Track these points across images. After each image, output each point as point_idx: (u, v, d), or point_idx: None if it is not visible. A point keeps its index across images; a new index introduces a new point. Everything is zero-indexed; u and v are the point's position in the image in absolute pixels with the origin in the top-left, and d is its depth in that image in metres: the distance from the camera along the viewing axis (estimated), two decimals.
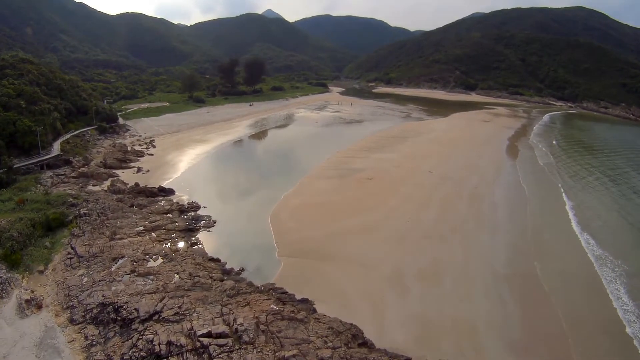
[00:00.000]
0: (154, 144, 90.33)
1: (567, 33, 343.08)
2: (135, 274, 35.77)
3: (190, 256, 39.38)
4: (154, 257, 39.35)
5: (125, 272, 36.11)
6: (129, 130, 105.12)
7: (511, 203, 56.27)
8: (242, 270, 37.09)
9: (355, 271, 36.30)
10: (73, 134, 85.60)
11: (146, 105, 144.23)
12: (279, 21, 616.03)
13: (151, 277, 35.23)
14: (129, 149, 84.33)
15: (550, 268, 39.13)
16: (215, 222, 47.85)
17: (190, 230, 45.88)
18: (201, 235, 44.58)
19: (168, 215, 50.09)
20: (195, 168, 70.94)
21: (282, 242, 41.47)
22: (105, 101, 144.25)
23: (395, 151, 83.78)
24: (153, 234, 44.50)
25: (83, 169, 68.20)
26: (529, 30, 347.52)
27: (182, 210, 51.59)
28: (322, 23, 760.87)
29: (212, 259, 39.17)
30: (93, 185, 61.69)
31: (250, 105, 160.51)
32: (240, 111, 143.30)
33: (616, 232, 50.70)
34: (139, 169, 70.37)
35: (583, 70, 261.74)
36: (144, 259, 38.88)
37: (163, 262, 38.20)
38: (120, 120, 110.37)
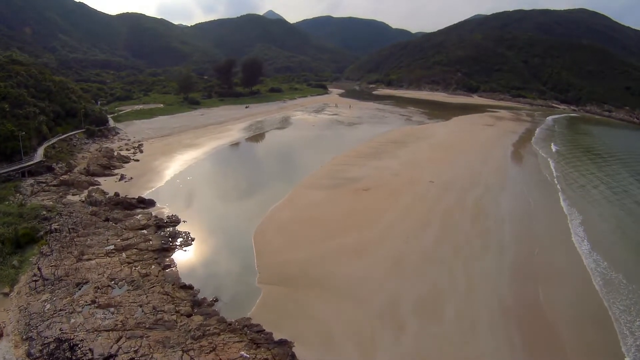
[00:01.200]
0: (141, 148, 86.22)
1: (569, 35, 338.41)
2: (96, 305, 31.63)
3: (159, 283, 35.04)
4: (119, 283, 35.12)
5: (86, 301, 32.04)
6: (119, 133, 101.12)
7: (517, 218, 51.71)
8: (216, 300, 32.66)
9: (343, 303, 31.88)
10: (60, 138, 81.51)
11: (140, 106, 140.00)
12: (279, 22, 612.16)
13: (112, 309, 31.03)
14: (115, 154, 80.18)
15: (559, 296, 34.93)
16: (193, 240, 43.49)
17: (164, 250, 41.43)
18: (176, 256, 40.24)
19: (143, 231, 45.75)
20: (180, 176, 66.66)
21: (264, 266, 37.06)
22: (99, 102, 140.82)
23: (395, 158, 79.34)
24: (123, 255, 40.17)
25: (65, 176, 64.07)
26: (531, 32, 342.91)
27: (159, 225, 47.23)
28: (323, 24, 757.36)
29: (183, 286, 34.72)
30: (73, 195, 57.43)
31: (246, 107, 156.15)
32: (235, 113, 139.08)
33: (628, 252, 45.84)
34: (122, 177, 66.10)
35: (586, 73, 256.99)
36: (109, 286, 34.70)
37: (128, 290, 33.94)
38: (111, 123, 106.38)
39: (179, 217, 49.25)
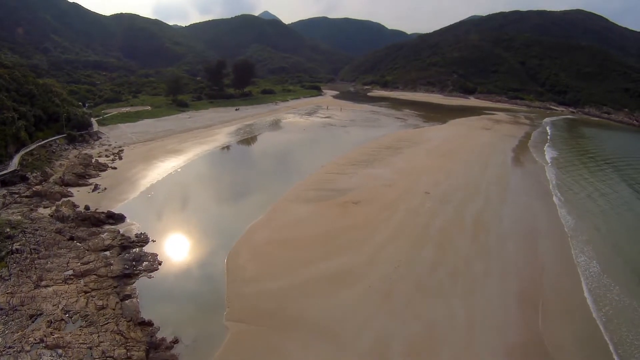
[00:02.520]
0: (121, 154, 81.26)
1: (566, 36, 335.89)
2: (44, 344, 27.33)
3: (115, 318, 30.47)
4: (73, 317, 30.73)
5: (36, 339, 27.88)
6: (101, 138, 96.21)
7: (520, 235, 47.04)
8: (176, 342, 27.90)
9: (324, 345, 27.09)
10: (39, 144, 76.83)
11: (126, 109, 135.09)
12: (274, 23, 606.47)
13: (60, 350, 26.77)
14: (93, 161, 75.47)
15: (567, 334, 30.59)
16: (160, 264, 38.69)
17: (126, 277, 36.67)
18: (139, 284, 35.44)
19: (106, 253, 40.99)
20: (157, 186, 61.81)
21: (235, 298, 32.21)
22: (86, 105, 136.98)
23: (388, 165, 74.67)
24: (82, 282, 35.54)
25: (38, 186, 59.28)
26: (528, 33, 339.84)
27: (124, 246, 42.35)
28: (318, 25, 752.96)
29: (142, 323, 30.10)
30: (44, 207, 52.66)
31: (236, 109, 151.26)
32: (224, 116, 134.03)
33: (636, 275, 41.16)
34: (96, 187, 61.19)
35: (584, 74, 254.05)
36: (62, 320, 30.43)
37: (81, 327, 29.58)
38: (94, 127, 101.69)
39: (148, 236, 44.51)
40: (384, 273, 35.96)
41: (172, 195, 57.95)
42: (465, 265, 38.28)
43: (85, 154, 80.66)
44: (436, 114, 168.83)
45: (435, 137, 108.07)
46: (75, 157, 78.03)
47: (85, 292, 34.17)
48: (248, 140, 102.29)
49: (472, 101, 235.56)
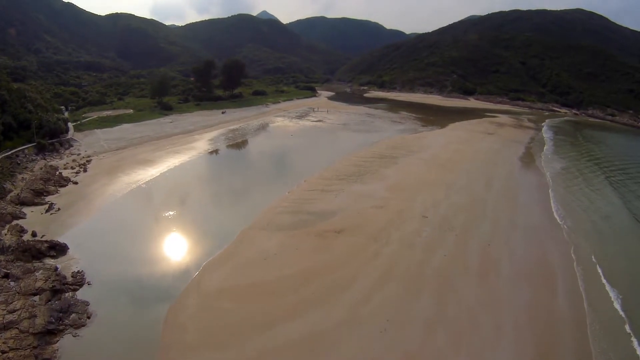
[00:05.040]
0: (87, 166, 73.00)
1: (566, 36, 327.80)
2: None
3: None
4: None
5: None
6: (72, 146, 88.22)
7: (536, 274, 38.41)
8: None
9: None
10: (5, 154, 69.24)
11: (107, 113, 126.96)
12: (271, 22, 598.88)
13: None
14: (57, 174, 67.47)
15: None
16: (89, 317, 30.69)
17: (49, 334, 29.00)
18: (62, 344, 27.86)
19: (35, 298, 33.10)
20: (113, 207, 53.53)
21: None
22: (69, 108, 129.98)
23: (380, 180, 65.96)
24: (2, 336, 28.11)
25: None
26: (527, 32, 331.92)
27: (56, 290, 34.27)
28: (316, 25, 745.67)
29: None
30: None
31: (222, 112, 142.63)
32: (209, 120, 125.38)
33: None
34: (51, 206, 53.01)
35: (587, 75, 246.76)
36: None
37: None
38: (70, 133, 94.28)
39: (85, 276, 36.40)
40: (367, 340, 27.29)
41: (126, 220, 49.55)
42: (471, 323, 29.73)
43: (51, 165, 72.69)
44: (435, 116, 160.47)
45: (434, 144, 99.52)
46: (41, 169, 70.22)
47: (3, 353, 27.09)
48: (228, 148, 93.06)
49: (472, 102, 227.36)
